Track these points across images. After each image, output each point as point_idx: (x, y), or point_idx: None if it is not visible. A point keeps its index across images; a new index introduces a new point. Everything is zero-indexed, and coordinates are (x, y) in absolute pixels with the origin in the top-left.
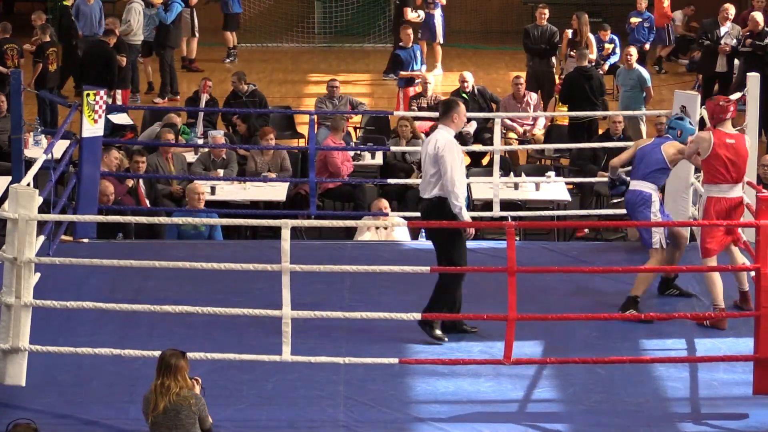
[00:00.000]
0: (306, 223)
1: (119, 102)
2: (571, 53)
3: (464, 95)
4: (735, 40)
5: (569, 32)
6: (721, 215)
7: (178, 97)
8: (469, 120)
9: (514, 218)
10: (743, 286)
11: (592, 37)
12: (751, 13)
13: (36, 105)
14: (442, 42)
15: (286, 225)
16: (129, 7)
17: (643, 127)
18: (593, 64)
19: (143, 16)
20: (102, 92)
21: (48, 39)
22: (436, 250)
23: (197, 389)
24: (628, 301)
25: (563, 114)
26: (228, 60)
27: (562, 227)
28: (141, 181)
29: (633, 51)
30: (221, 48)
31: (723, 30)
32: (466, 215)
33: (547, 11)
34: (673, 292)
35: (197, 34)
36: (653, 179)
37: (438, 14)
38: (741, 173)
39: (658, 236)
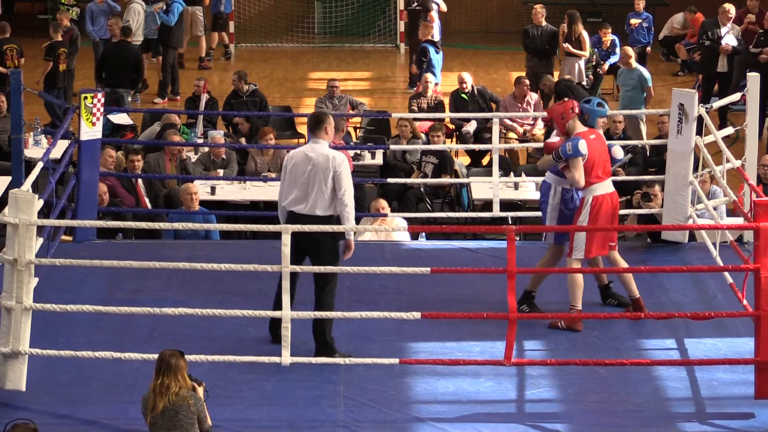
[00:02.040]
0: (306, 228)
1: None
2: (568, 49)
3: (463, 95)
4: (735, 41)
5: (564, 26)
6: (608, 214)
7: (179, 97)
8: (468, 120)
9: (514, 219)
10: (634, 294)
11: (585, 34)
12: None
13: (42, 104)
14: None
15: (287, 230)
16: (129, 7)
17: (643, 127)
18: (593, 63)
19: (144, 14)
20: (100, 95)
21: (59, 38)
22: (320, 259)
23: (200, 392)
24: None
25: None
26: (207, 59)
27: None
28: (140, 180)
29: (631, 51)
30: (219, 48)
31: (724, 30)
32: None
33: (543, 11)
34: (612, 302)
35: (207, 33)
36: (554, 170)
37: (436, 23)
38: (609, 168)
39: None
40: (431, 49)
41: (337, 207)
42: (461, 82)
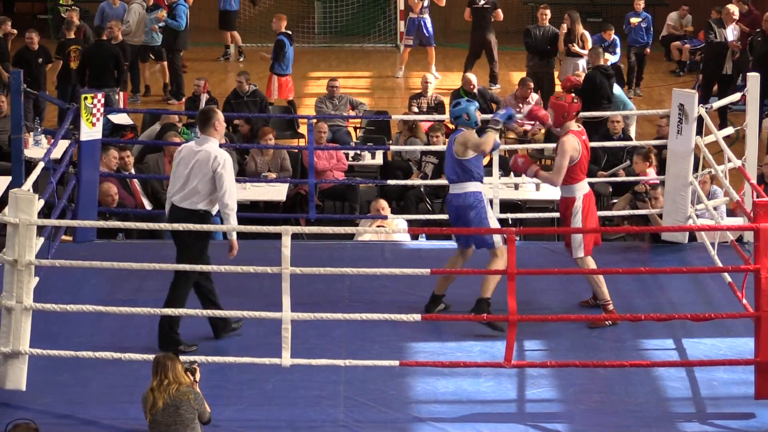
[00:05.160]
0: (306, 229)
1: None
2: (572, 48)
3: (463, 95)
4: (739, 42)
5: (565, 26)
6: (595, 210)
7: (183, 99)
8: None
9: (514, 220)
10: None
11: (587, 34)
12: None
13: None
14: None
15: (287, 232)
16: (129, 7)
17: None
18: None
19: (143, 15)
20: (100, 95)
21: (71, 36)
22: (181, 252)
23: (197, 376)
24: (480, 304)
25: None
26: (222, 58)
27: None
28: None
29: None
30: (220, 48)
31: (728, 31)
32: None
33: (548, 12)
34: (441, 307)
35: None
36: (467, 177)
37: (428, 18)
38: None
39: (498, 235)
40: (287, 42)
41: (219, 207)
42: (468, 83)
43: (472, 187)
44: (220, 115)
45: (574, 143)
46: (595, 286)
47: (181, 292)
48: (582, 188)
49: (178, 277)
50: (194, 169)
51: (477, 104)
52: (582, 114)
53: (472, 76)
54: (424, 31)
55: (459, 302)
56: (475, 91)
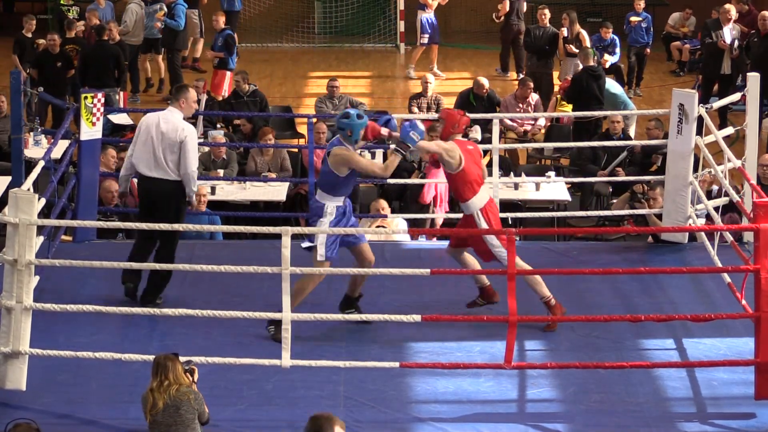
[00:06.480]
0: (307, 230)
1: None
2: (570, 49)
3: (472, 100)
4: (736, 41)
5: (564, 30)
6: (498, 217)
7: None
8: (472, 124)
9: (514, 220)
10: (484, 282)
11: (584, 33)
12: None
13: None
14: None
15: (287, 232)
16: (127, 7)
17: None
18: (594, 63)
19: (141, 14)
20: (100, 95)
21: (72, 35)
22: (161, 215)
23: (195, 376)
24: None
25: (564, 114)
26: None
27: (563, 233)
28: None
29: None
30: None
31: (726, 31)
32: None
33: (548, 12)
34: (353, 312)
35: (203, 35)
36: (328, 188)
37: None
38: (483, 176)
39: (323, 249)
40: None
41: (181, 172)
42: (481, 87)
43: (333, 201)
44: (192, 95)
45: (453, 146)
46: (535, 285)
47: (170, 253)
48: (478, 202)
49: (165, 242)
50: (163, 142)
51: (366, 124)
52: (571, 114)
53: (484, 80)
54: (436, 29)
55: (450, 303)
56: (486, 95)
